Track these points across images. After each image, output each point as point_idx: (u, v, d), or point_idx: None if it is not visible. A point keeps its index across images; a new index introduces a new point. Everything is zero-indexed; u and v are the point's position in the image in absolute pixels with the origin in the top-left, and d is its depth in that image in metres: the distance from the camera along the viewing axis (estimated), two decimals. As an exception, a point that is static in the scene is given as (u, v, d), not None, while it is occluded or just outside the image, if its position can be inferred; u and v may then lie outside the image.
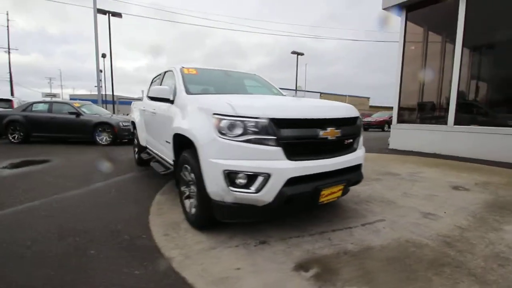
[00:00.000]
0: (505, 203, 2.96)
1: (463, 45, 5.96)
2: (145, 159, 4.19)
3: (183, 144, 2.35)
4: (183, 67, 3.18)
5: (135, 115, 4.73)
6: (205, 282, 1.59)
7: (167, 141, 2.87)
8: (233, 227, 2.25)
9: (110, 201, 3.06)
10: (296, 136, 1.92)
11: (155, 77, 4.15)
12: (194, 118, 2.20)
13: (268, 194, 1.81)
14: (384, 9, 7.11)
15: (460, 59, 5.99)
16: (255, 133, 1.81)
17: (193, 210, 2.25)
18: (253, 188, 1.81)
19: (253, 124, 1.82)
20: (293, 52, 28.19)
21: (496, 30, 6.04)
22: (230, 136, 1.84)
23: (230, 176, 1.81)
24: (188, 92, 2.72)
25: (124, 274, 1.66)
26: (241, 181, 1.81)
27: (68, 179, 3.92)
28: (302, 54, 28.45)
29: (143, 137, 4.41)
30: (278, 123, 1.85)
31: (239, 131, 1.83)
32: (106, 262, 1.80)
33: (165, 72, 3.63)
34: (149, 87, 4.25)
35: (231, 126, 1.84)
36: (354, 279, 1.60)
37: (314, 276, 1.64)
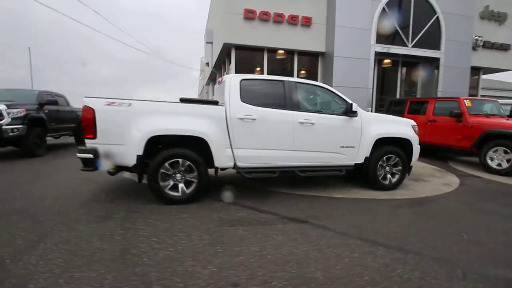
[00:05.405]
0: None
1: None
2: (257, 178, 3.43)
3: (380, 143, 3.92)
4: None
5: (204, 126, 3.12)
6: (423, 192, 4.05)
7: (349, 146, 3.77)
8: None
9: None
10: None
11: (245, 81, 3.49)
12: (398, 127, 4.05)
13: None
14: (207, 42, 9.51)
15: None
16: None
17: (393, 180, 4.05)
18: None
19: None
20: None
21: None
22: (416, 135, 4.21)
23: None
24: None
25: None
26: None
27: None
28: None
29: (227, 154, 3.33)
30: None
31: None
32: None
33: (288, 82, 3.63)
34: (240, 91, 3.42)
35: (415, 130, 4.21)
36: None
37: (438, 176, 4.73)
